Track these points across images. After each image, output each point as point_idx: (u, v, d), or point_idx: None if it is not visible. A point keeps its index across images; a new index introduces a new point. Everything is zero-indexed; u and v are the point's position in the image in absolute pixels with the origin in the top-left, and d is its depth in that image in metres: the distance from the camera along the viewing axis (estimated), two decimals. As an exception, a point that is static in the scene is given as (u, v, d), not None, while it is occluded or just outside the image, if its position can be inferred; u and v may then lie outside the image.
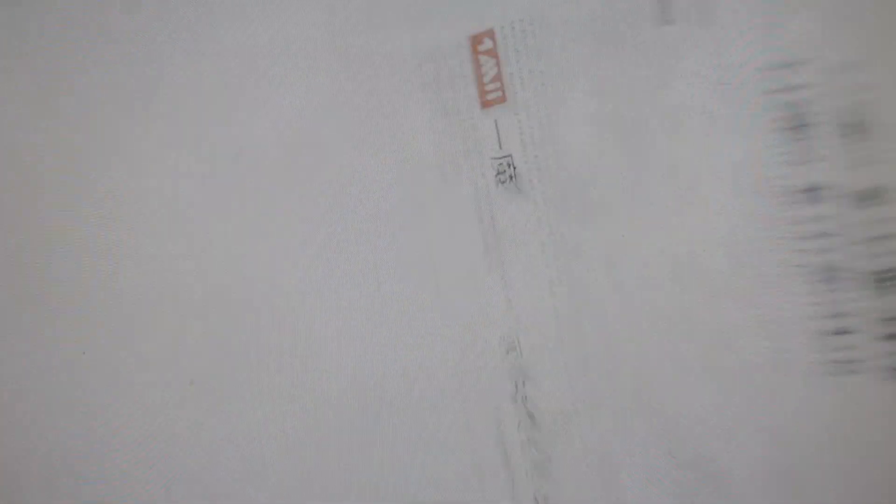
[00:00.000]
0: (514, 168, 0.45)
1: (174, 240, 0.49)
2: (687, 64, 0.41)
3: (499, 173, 0.46)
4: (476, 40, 0.46)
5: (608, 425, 0.42)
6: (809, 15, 0.41)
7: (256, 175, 0.52)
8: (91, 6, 0.56)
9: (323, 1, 0.49)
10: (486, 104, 0.45)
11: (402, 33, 0.47)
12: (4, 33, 0.56)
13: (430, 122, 0.46)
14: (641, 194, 0.41)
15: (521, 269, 0.44)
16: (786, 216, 0.39)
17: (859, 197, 0.39)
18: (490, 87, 0.46)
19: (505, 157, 0.46)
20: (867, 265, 0.39)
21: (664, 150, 0.41)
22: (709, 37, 0.41)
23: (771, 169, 0.40)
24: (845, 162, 0.39)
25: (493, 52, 0.45)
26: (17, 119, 0.54)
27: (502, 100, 0.45)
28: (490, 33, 0.45)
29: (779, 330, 0.40)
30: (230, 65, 0.55)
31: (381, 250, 0.49)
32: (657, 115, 0.41)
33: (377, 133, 0.48)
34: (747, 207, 0.40)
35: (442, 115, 0.46)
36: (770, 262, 0.40)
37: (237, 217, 0.50)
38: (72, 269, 0.48)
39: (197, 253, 0.49)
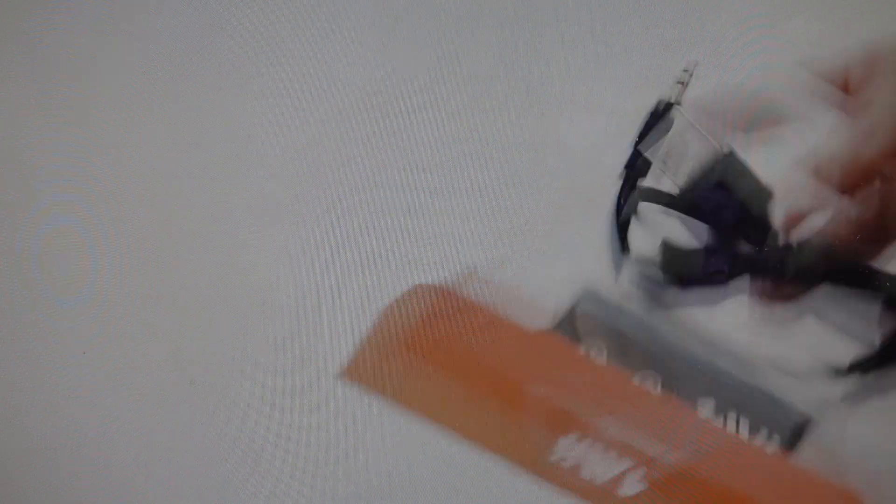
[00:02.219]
0: None
1: (175, 240, 0.49)
2: None
3: None
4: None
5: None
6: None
7: (258, 175, 0.52)
8: (97, 5, 0.56)
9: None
10: None
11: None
12: (5, 32, 0.56)
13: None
14: None
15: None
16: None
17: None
18: None
19: None
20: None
21: None
22: None
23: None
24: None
25: None
26: (18, 119, 0.54)
27: None
28: None
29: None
30: (233, 63, 0.55)
31: (382, 251, 0.49)
32: None
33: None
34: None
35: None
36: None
37: (238, 217, 0.50)
38: (72, 269, 0.48)
39: (198, 253, 0.49)
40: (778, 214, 0.39)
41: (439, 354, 0.36)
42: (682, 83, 0.40)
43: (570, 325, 0.41)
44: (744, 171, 0.39)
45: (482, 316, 0.37)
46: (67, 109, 0.54)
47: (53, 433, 0.43)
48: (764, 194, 0.39)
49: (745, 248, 0.40)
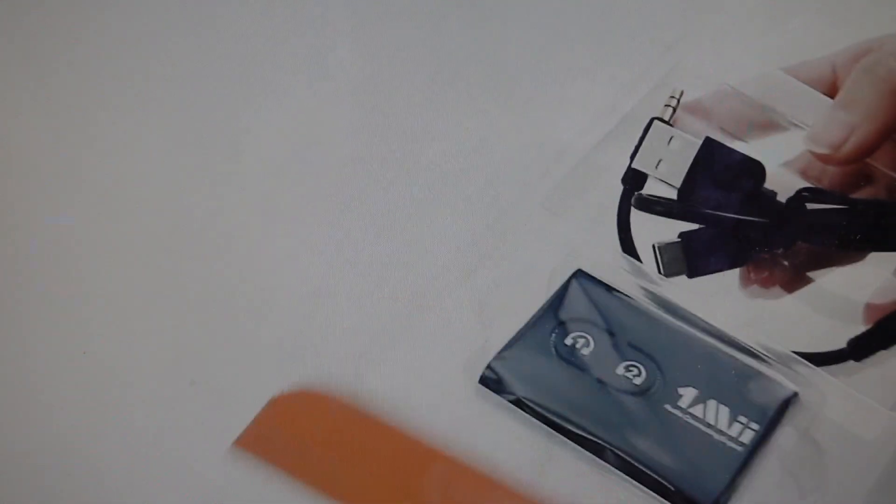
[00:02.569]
0: None
1: (175, 239, 0.49)
2: None
3: None
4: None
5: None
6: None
7: (259, 172, 0.52)
8: (97, 5, 0.56)
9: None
10: None
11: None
12: (5, 32, 0.56)
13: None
14: None
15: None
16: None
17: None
18: None
19: None
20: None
21: None
22: None
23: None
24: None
25: None
26: (15, 117, 0.54)
27: None
28: None
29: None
30: (232, 61, 0.55)
31: (382, 250, 0.49)
32: None
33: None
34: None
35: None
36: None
37: (239, 215, 0.50)
38: (71, 269, 0.48)
39: (198, 252, 0.49)
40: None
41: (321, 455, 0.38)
42: (670, 107, 0.42)
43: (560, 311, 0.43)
44: (727, 150, 0.40)
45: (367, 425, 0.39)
46: (66, 108, 0.54)
47: (53, 433, 0.43)
48: (755, 165, 0.40)
49: (754, 226, 0.41)
